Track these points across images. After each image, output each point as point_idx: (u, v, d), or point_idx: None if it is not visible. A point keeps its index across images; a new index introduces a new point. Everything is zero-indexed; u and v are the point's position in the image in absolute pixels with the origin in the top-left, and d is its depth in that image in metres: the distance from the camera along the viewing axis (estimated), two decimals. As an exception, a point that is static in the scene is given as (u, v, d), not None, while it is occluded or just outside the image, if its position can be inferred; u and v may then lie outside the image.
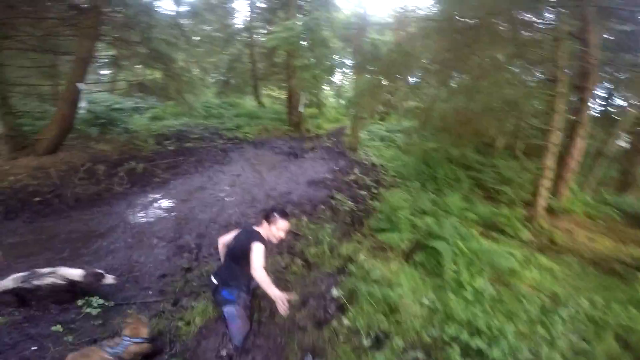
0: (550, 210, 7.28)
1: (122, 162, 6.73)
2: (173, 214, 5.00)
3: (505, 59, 7.58)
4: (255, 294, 2.85)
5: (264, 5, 14.66)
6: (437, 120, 9.08)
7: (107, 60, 9.93)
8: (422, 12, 11.23)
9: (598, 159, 10.28)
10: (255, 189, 6.57)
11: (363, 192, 7.01)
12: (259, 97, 16.33)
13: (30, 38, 7.04)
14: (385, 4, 24.75)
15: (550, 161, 6.70)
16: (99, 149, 7.46)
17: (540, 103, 7.55)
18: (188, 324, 2.67)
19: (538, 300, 3.62)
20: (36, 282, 2.68)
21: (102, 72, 13.97)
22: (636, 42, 7.96)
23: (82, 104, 6.98)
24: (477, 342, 2.39)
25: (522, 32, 7.37)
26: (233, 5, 15.72)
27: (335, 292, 3.19)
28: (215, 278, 2.62)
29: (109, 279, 2.95)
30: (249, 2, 14.88)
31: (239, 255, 2.54)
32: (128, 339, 2.19)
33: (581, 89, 6.72)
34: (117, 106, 10.73)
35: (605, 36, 8.07)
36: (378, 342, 2.47)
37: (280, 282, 3.30)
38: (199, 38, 15.79)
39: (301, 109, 13.21)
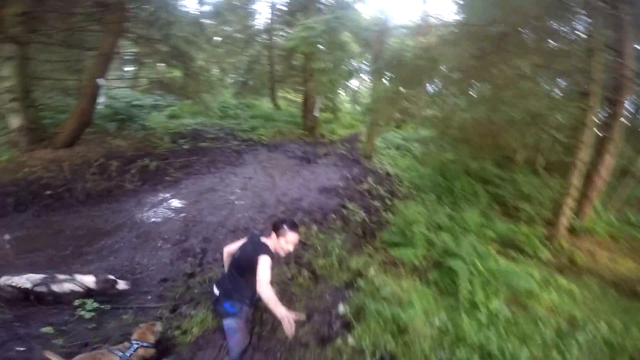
0: (571, 230, 6.92)
1: (136, 158, 6.74)
2: (181, 215, 4.93)
3: (531, 69, 7.27)
4: (258, 305, 2.70)
5: (284, 8, 14.69)
6: (456, 130, 8.78)
7: (130, 57, 10.13)
8: (445, 20, 10.95)
9: (624, 177, 9.72)
10: (266, 193, 6.46)
11: (376, 203, 6.78)
12: (275, 100, 16.34)
13: (57, 33, 7.20)
14: (407, 11, 24.52)
15: (576, 179, 6.32)
16: (115, 145, 7.52)
17: (564, 116, 7.19)
18: (185, 333, 2.56)
19: (554, 323, 3.47)
20: (54, 288, 2.68)
21: (125, 68, 14.25)
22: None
23: (101, 99, 7.07)
24: (489, 367, 2.22)
25: (550, 42, 7.06)
26: (254, 7, 15.82)
27: (341, 308, 3.08)
28: (217, 288, 2.49)
29: (122, 284, 2.91)
30: (269, 3, 14.97)
31: (244, 267, 2.40)
32: (137, 342, 2.22)
33: (613, 102, 6.33)
34: (136, 103, 10.86)
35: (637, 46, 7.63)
36: (383, 364, 2.31)
37: (285, 294, 3.15)
38: (220, 39, 16.03)
39: (316, 113, 13.10)
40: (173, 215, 4.91)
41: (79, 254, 3.49)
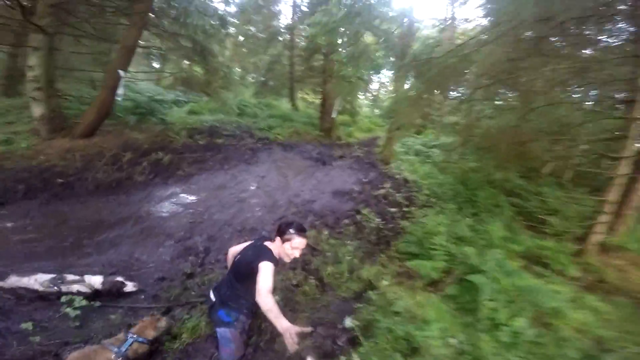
0: (602, 246, 6.39)
1: (151, 151, 6.71)
2: (188, 210, 4.79)
3: (565, 76, 6.80)
4: (257, 313, 2.47)
5: (305, 9, 14.66)
6: (481, 138, 8.36)
7: (156, 52, 10.27)
8: (472, 23, 10.50)
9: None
10: (278, 193, 6.26)
11: (393, 209, 6.43)
12: (294, 100, 16.29)
13: (86, 25, 7.32)
14: (432, 13, 24.05)
15: (614, 195, 5.82)
16: (133, 137, 7.54)
17: (597, 127, 6.68)
18: (175, 338, 2.35)
19: (582, 344, 3.17)
20: (63, 288, 2.62)
21: (153, 64, 14.54)
22: None
23: (120, 90, 7.08)
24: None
25: (588, 49, 6.60)
26: (278, 7, 15.91)
27: (348, 321, 2.83)
28: (214, 294, 2.26)
29: (130, 286, 2.83)
30: (292, 3, 14.97)
31: (242, 272, 2.16)
32: (133, 336, 2.13)
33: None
34: (159, 97, 11.00)
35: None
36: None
37: (289, 302, 2.91)
38: (243, 38, 16.17)
39: (334, 114, 12.89)
40: (180, 210, 4.78)
41: (78, 246, 3.38)
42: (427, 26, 14.24)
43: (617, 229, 6.63)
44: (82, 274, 2.76)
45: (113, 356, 1.94)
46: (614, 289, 5.31)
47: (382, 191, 7.47)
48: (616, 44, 6.36)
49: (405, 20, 11.70)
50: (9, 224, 3.54)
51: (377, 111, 21.68)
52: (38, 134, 6.41)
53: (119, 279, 2.81)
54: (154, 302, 2.79)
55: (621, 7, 5.75)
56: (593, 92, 7.38)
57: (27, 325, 2.22)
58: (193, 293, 2.93)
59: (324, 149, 10.90)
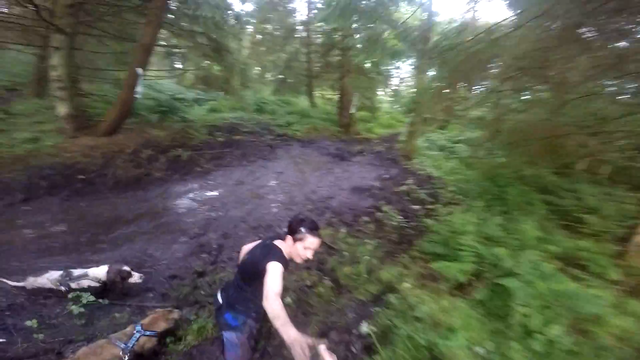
0: (646, 247, 5.83)
1: (170, 148, 6.77)
2: (204, 207, 4.74)
3: (601, 68, 6.23)
4: (266, 317, 2.31)
5: (321, 6, 14.47)
6: (509, 133, 7.85)
7: (177, 52, 10.44)
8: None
9: None
10: (296, 190, 6.12)
11: (415, 207, 6.12)
12: (312, 97, 16.20)
13: (106, 24, 7.47)
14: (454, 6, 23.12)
15: (662, 192, 5.26)
16: (154, 135, 7.65)
17: (637, 120, 6.11)
18: (179, 340, 2.24)
19: (622, 354, 2.86)
20: (73, 285, 2.61)
21: (175, 64, 14.88)
22: None
23: (139, 88, 7.17)
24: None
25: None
26: (293, 4, 15.86)
27: (365, 327, 2.63)
28: (221, 295, 2.11)
29: (136, 277, 2.74)
30: (307, 1, 14.82)
31: (250, 273, 1.98)
32: (141, 330, 2.08)
33: None
34: (180, 96, 11.22)
35: None
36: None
37: (301, 304, 2.74)
38: (261, 36, 16.21)
39: (352, 110, 12.66)
40: (196, 206, 4.74)
41: (93, 242, 3.39)
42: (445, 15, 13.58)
43: (662, 229, 6.07)
44: (87, 269, 2.72)
45: (120, 351, 1.90)
46: (659, 293, 4.92)
47: (404, 188, 7.15)
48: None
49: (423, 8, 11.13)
50: (30, 220, 3.60)
51: (397, 107, 21.15)
52: (64, 132, 6.61)
53: (125, 268, 2.73)
54: (163, 300, 2.72)
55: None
56: (631, 85, 6.78)
57: (32, 323, 2.19)
58: (203, 292, 2.84)
59: (342, 145, 10.71)
